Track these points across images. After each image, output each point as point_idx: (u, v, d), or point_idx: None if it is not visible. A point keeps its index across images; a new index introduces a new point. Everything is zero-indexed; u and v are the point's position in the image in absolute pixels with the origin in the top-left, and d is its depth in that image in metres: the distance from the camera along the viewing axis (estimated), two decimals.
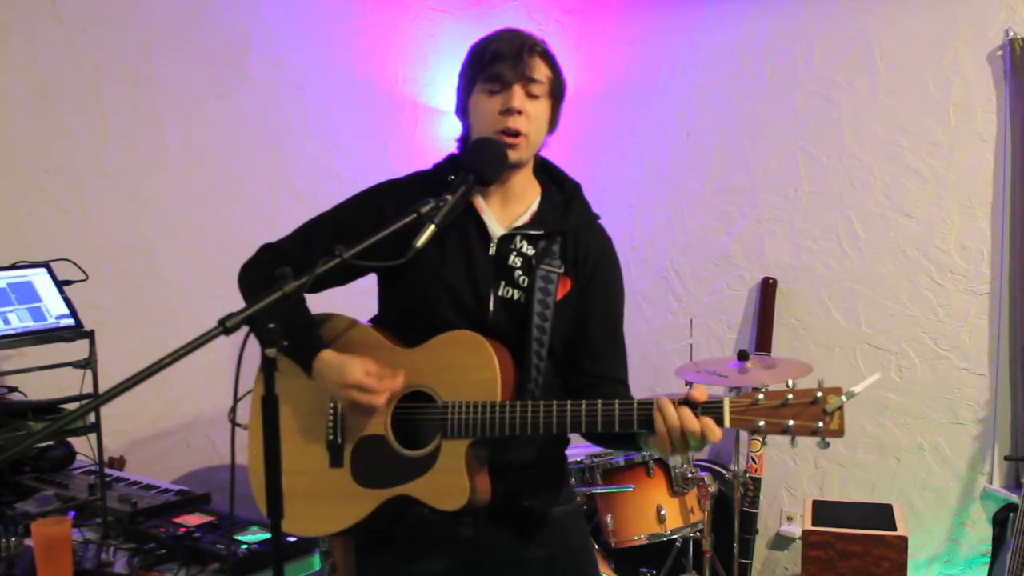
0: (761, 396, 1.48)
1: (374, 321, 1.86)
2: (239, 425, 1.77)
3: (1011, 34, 3.38)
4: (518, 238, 1.76)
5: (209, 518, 2.21)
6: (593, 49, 4.16)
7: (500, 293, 1.74)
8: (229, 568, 1.98)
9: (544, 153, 1.84)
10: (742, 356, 3.16)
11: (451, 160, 1.84)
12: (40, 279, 2.28)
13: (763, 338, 3.82)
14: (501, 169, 1.70)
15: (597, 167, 4.13)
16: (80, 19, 2.81)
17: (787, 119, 3.81)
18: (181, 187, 3.10)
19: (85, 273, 2.48)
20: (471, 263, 1.73)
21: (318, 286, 1.68)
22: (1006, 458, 3.50)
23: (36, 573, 1.81)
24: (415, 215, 1.58)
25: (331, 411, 1.75)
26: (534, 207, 1.79)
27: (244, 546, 2.04)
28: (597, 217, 1.85)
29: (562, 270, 1.75)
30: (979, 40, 3.47)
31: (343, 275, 1.75)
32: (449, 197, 1.61)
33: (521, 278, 1.74)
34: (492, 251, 1.75)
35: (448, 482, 1.64)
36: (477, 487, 1.65)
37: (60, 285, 2.31)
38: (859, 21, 3.66)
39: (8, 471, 2.34)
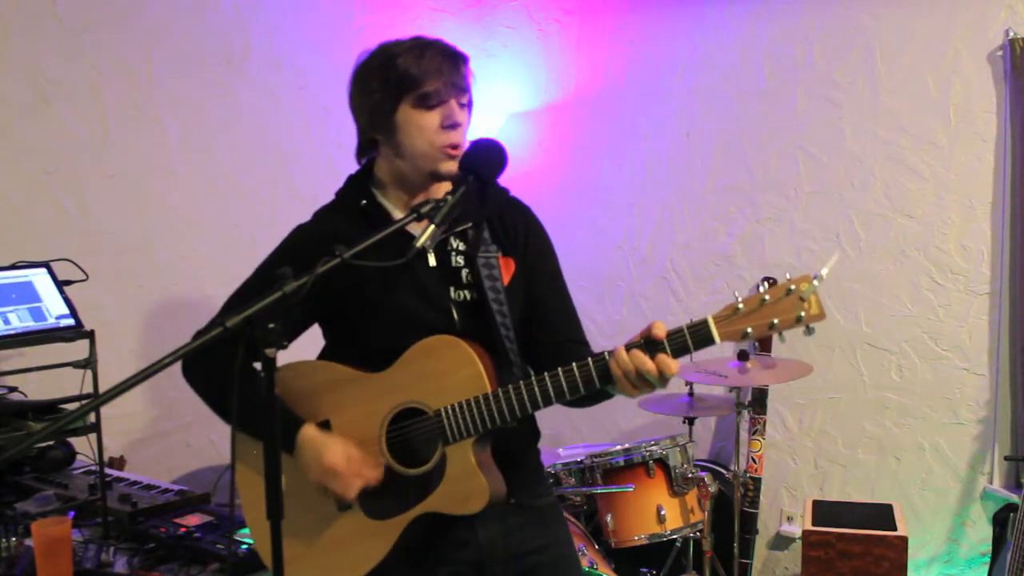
0: (740, 305, 1.50)
1: (323, 357, 1.83)
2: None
3: (1011, 34, 3.37)
4: (451, 239, 1.76)
5: (209, 518, 2.21)
6: (593, 49, 4.15)
7: (454, 298, 1.74)
8: (229, 568, 1.98)
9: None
10: (742, 356, 3.19)
11: (353, 182, 1.82)
12: (40, 279, 2.28)
13: (763, 338, 3.82)
14: (502, 168, 1.69)
15: (597, 168, 4.10)
16: (80, 19, 2.81)
17: (787, 119, 3.80)
18: (181, 187, 3.10)
19: (85, 273, 2.48)
20: (418, 283, 1.72)
21: (292, 334, 1.70)
22: (1006, 458, 3.49)
23: (36, 573, 1.81)
24: (415, 214, 1.56)
25: None
26: None
27: (244, 546, 2.04)
28: (508, 191, 1.85)
29: (500, 253, 1.76)
30: (979, 40, 3.47)
31: (302, 319, 1.76)
32: (449, 197, 1.59)
33: (467, 276, 1.75)
34: (432, 262, 1.74)
35: (465, 486, 1.64)
36: (492, 482, 1.65)
37: (60, 285, 2.31)
38: (859, 21, 3.66)
39: (8, 471, 2.34)
